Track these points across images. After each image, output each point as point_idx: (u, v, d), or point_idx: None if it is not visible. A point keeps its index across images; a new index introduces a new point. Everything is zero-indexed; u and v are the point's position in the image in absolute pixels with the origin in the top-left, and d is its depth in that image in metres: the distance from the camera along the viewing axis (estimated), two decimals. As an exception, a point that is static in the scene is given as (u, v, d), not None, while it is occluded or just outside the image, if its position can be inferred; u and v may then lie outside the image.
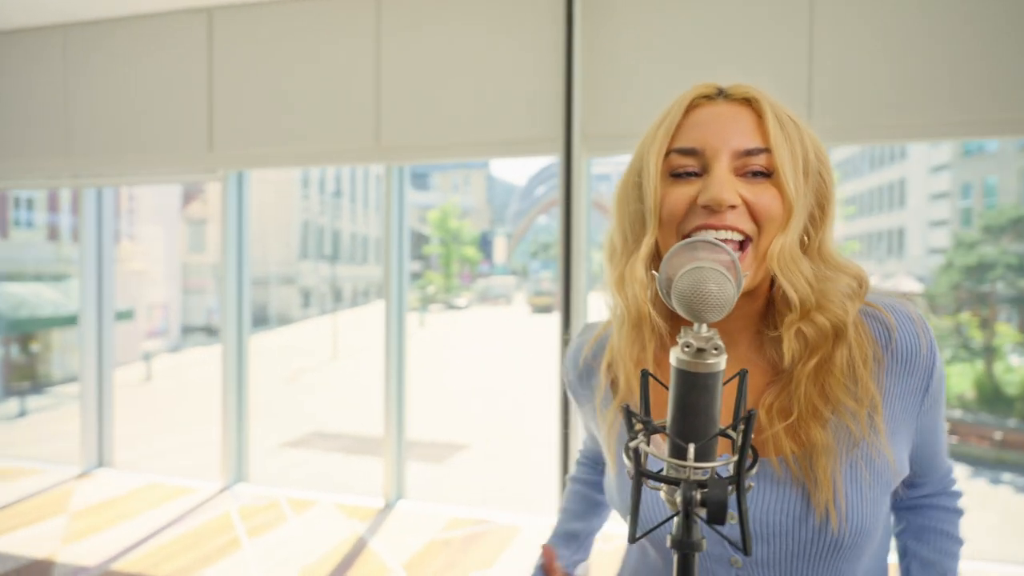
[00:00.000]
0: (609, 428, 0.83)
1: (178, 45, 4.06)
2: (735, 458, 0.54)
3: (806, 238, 0.75)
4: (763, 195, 0.70)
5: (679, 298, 0.54)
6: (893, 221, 23.38)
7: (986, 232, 13.31)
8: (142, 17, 4.08)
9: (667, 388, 0.57)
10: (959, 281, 13.75)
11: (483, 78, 3.59)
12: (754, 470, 0.55)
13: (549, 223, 44.37)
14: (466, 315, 28.64)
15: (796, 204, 0.70)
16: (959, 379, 13.47)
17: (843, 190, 26.06)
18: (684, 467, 0.53)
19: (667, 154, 0.74)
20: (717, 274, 0.53)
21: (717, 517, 0.50)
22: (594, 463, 1.09)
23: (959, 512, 0.88)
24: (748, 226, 0.70)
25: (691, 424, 0.54)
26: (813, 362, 0.71)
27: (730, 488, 0.53)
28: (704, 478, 0.53)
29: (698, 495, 0.51)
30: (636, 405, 0.81)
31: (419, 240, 39.57)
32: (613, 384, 0.84)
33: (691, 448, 0.53)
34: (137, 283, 20.20)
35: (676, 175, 0.74)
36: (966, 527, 0.88)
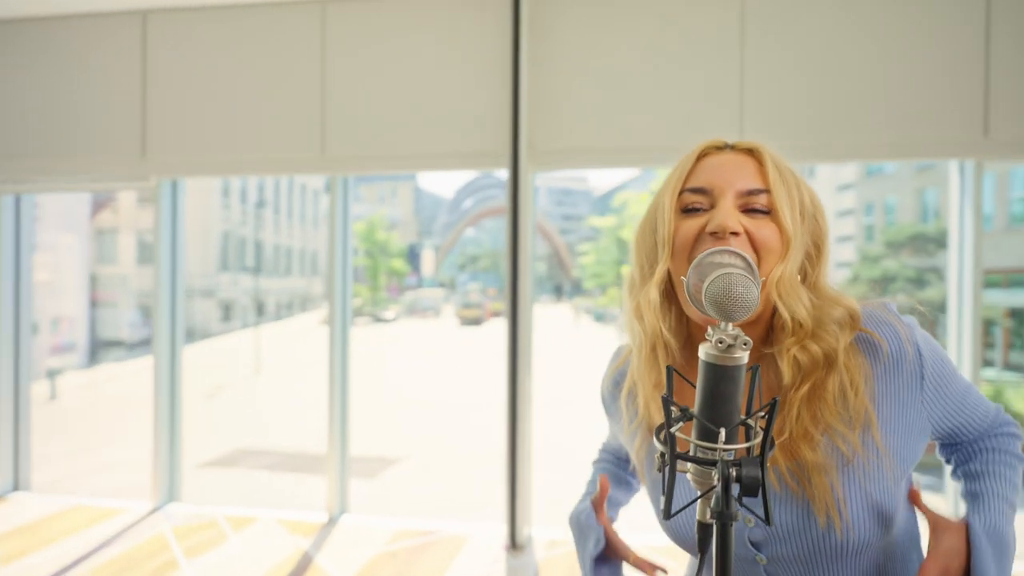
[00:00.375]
0: (637, 450, 0.91)
1: (109, 47, 3.91)
2: (756, 441, 0.62)
3: (804, 273, 0.84)
4: (763, 228, 0.79)
5: (711, 300, 0.61)
6: (804, 236, 24.60)
7: (888, 247, 14.28)
8: (70, 17, 3.91)
9: (692, 384, 0.64)
10: (865, 293, 14.67)
11: (430, 91, 3.64)
12: (772, 451, 0.63)
13: (477, 235, 44.52)
14: (394, 328, 28.29)
15: (793, 238, 0.79)
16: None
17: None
18: (715, 449, 0.61)
19: (680, 193, 0.82)
20: (744, 278, 0.61)
21: (751, 490, 0.58)
22: (616, 456, 1.16)
23: (1014, 452, 0.91)
24: (749, 254, 0.78)
25: (720, 411, 0.61)
26: (806, 388, 0.80)
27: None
28: (731, 459, 0.60)
29: (733, 472, 0.58)
30: (655, 425, 0.89)
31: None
32: (629, 404, 0.93)
33: (722, 432, 0.60)
34: (41, 295, 18.95)
35: (687, 211, 0.82)
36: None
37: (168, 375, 4.06)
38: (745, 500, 0.74)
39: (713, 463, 0.60)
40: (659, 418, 0.85)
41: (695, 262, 0.65)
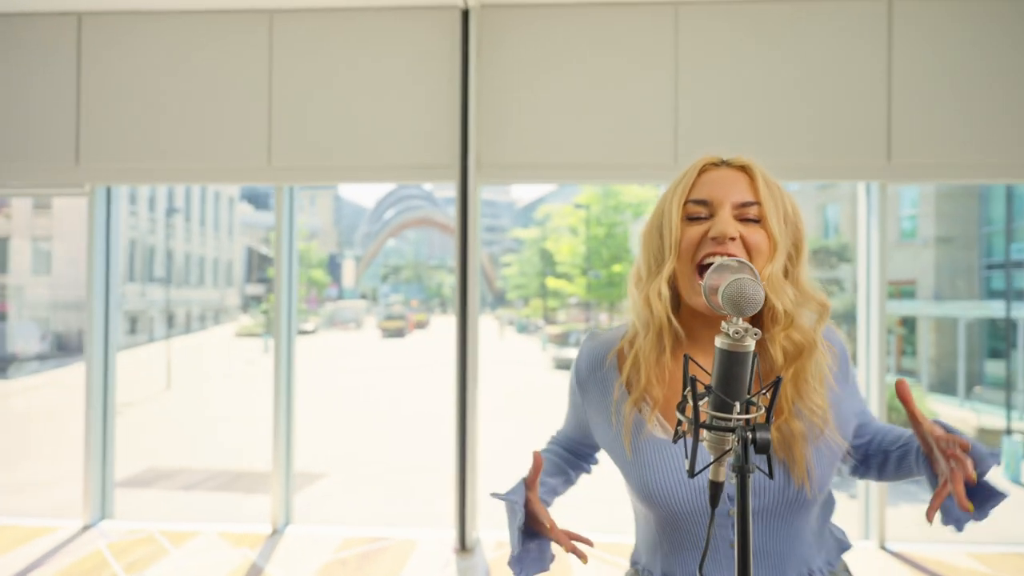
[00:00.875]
0: (625, 418, 1.04)
1: (43, 49, 3.78)
2: (763, 412, 0.78)
3: (786, 270, 1.01)
4: (755, 234, 0.96)
5: (728, 299, 0.76)
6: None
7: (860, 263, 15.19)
8: (2, 16, 3.76)
9: (690, 392, 0.80)
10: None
11: (379, 105, 3.72)
12: (773, 421, 0.79)
13: (399, 246, 44.15)
14: (315, 340, 27.62)
15: (779, 243, 0.96)
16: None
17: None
18: (730, 418, 0.76)
19: (685, 203, 0.98)
20: (754, 283, 0.77)
21: (763, 449, 0.73)
22: (571, 448, 1.27)
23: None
24: (743, 255, 0.95)
25: (734, 388, 0.77)
26: (792, 370, 0.97)
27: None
28: (735, 422, 0.76)
29: (750, 435, 0.74)
30: (653, 397, 1.03)
31: (261, 261, 37.65)
32: (627, 384, 1.05)
33: (737, 405, 0.76)
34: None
35: (691, 219, 0.98)
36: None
37: (101, 388, 3.94)
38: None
39: (731, 430, 0.75)
40: (661, 391, 1.00)
41: (713, 267, 0.80)
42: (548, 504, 1.15)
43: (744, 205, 0.97)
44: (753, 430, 0.74)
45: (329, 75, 3.74)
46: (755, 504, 0.97)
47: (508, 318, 32.09)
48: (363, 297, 38.56)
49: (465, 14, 3.63)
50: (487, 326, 32.27)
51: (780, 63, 3.59)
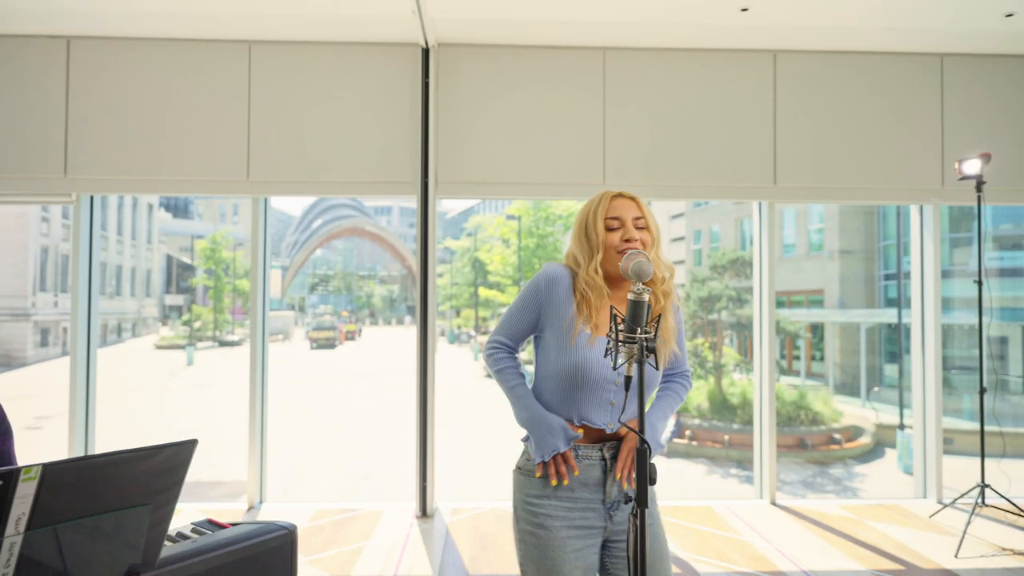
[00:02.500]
0: (576, 326, 1.64)
1: (35, 69, 4.16)
2: (650, 335, 1.44)
3: (658, 258, 1.69)
4: (644, 236, 1.64)
5: (634, 271, 1.43)
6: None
7: (712, 270, 16.42)
8: (-8, 38, 4.13)
9: (619, 329, 1.45)
10: (694, 311, 16.73)
11: (347, 126, 4.29)
12: (658, 337, 1.46)
13: (327, 256, 43.83)
14: (242, 351, 27.25)
15: (655, 239, 1.64)
16: (696, 393, 16.28)
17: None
18: (635, 336, 1.42)
19: (606, 219, 1.64)
20: (648, 263, 1.44)
21: (651, 352, 1.39)
22: (514, 349, 1.77)
23: (686, 386, 1.80)
24: (640, 248, 1.62)
25: (638, 320, 1.43)
26: (660, 310, 1.65)
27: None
28: (645, 338, 1.42)
29: (647, 344, 1.39)
30: (598, 321, 1.67)
31: (182, 271, 36.69)
32: (578, 308, 1.67)
33: (639, 330, 1.42)
34: None
35: (609, 229, 1.64)
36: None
37: (84, 392, 4.31)
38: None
39: (635, 341, 1.41)
40: (603, 322, 1.64)
41: (627, 254, 1.46)
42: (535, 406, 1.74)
43: (637, 219, 1.64)
44: (648, 341, 1.41)
45: (304, 100, 4.28)
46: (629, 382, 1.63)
47: (440, 328, 32.49)
48: (291, 308, 38.12)
49: (425, 52, 4.25)
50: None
51: (689, 101, 4.38)
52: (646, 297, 1.41)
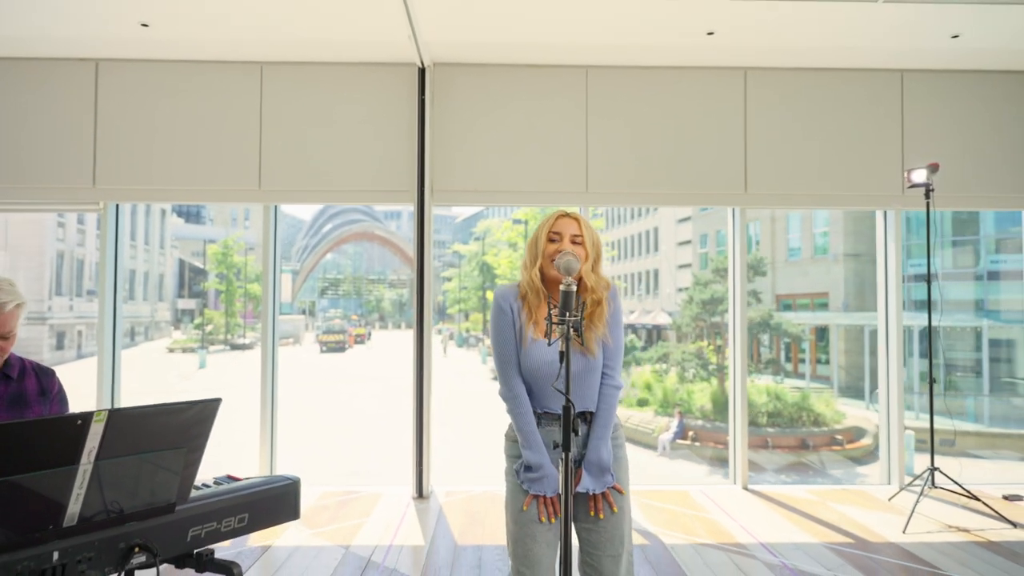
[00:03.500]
0: (525, 331, 2.05)
1: (66, 89, 4.60)
2: (577, 317, 1.83)
3: (594, 266, 2.06)
4: (579, 250, 2.02)
5: (563, 266, 1.81)
6: (649, 264, 27.56)
7: (716, 273, 16.73)
8: (31, 60, 4.57)
9: (554, 319, 1.84)
10: (698, 313, 17.05)
11: (353, 140, 4.70)
12: (584, 321, 1.85)
13: (337, 260, 44.41)
14: (254, 355, 27.78)
15: (588, 254, 2.02)
16: (700, 394, 16.59)
17: (610, 235, 30.19)
18: (565, 319, 1.80)
19: (548, 233, 2.02)
20: (575, 258, 1.82)
21: (577, 328, 1.77)
22: (518, 375, 2.22)
23: (614, 394, 2.10)
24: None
25: (567, 307, 1.81)
26: (593, 309, 2.02)
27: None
28: (572, 321, 1.80)
29: (573, 325, 1.78)
30: (539, 323, 2.05)
31: (194, 275, 37.33)
32: (525, 315, 2.07)
33: (568, 313, 1.80)
34: None
35: (551, 241, 2.02)
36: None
37: (110, 391, 4.74)
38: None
39: (565, 323, 1.79)
40: (541, 316, 2.02)
41: (560, 255, 1.85)
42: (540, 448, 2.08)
43: (575, 235, 2.03)
44: (577, 323, 1.79)
45: (311, 116, 4.70)
46: (573, 368, 2.01)
47: (449, 332, 32.91)
48: (302, 312, 38.69)
49: (422, 71, 4.66)
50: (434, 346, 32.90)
51: (665, 115, 4.76)
52: (574, 288, 1.79)
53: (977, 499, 4.17)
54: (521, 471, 1.98)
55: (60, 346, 26.10)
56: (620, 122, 4.76)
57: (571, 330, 1.78)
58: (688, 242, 24.93)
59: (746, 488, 4.77)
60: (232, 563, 1.80)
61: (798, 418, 15.75)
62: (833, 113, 4.80)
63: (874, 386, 18.91)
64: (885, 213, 4.99)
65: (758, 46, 4.43)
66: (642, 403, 17.69)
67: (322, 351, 30.74)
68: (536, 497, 1.94)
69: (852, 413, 16.63)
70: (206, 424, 1.75)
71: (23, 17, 4.04)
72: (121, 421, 1.54)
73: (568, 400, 1.75)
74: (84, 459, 1.51)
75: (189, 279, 37.04)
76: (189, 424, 1.72)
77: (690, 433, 15.37)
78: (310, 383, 19.75)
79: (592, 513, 1.97)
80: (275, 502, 2.02)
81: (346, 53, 4.58)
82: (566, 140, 4.74)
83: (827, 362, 21.53)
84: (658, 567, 3.35)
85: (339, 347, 30.65)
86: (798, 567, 3.35)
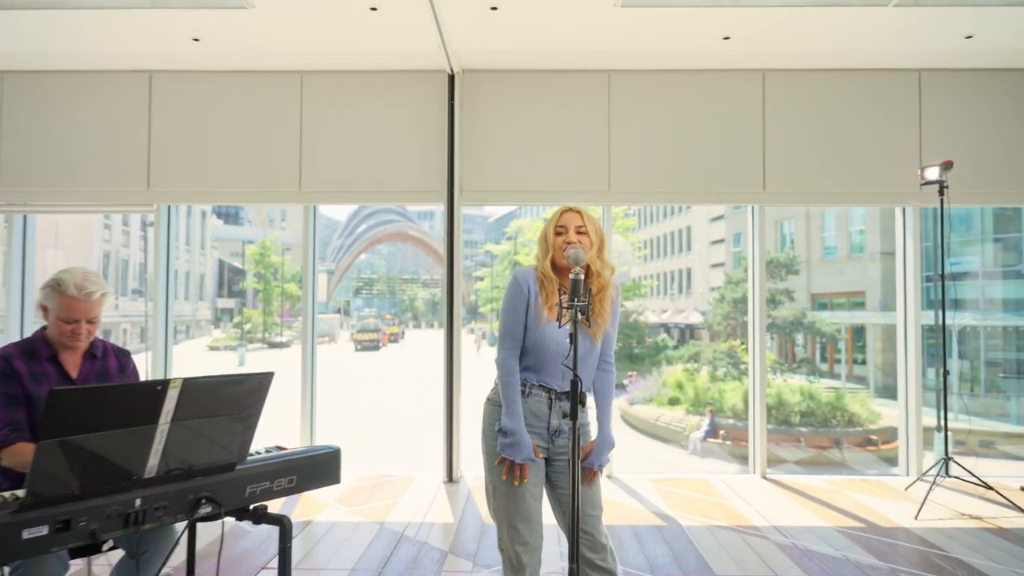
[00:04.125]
0: (541, 312, 2.29)
1: (121, 99, 4.98)
2: (585, 303, 2.06)
3: (598, 253, 2.29)
4: (584, 239, 2.25)
5: (572, 257, 2.05)
6: (682, 263, 27.53)
7: (747, 272, 16.72)
8: (90, 72, 4.96)
9: (563, 304, 2.08)
10: (729, 312, 17.06)
11: (387, 144, 4.99)
12: (589, 305, 2.09)
13: (372, 260, 45.11)
14: (291, 353, 28.48)
15: (593, 243, 2.25)
16: (731, 394, 16.60)
17: (642, 234, 30.19)
18: (574, 304, 2.04)
19: (555, 227, 2.26)
20: (582, 249, 2.06)
21: (584, 312, 2.01)
22: (517, 348, 2.48)
23: (611, 372, 2.38)
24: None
25: (576, 293, 2.05)
26: (598, 294, 2.25)
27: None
28: (579, 305, 2.04)
29: (580, 308, 2.01)
30: (552, 312, 2.29)
31: (233, 275, 38.32)
32: (540, 287, 2.31)
33: (576, 299, 2.04)
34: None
35: (557, 234, 2.26)
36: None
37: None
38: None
39: (574, 307, 2.02)
40: (554, 301, 2.25)
41: (570, 247, 2.08)
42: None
43: (579, 227, 2.26)
44: (584, 306, 2.03)
45: (347, 120, 5.00)
46: (582, 352, 2.24)
47: (482, 331, 33.26)
48: (336, 311, 39.42)
49: (451, 78, 4.93)
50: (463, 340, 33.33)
51: (685, 116, 4.95)
52: (582, 277, 2.03)
53: (992, 489, 4.28)
54: (499, 436, 2.19)
55: (106, 344, 26.97)
56: (640, 123, 4.96)
57: (579, 313, 2.02)
58: (721, 241, 24.84)
59: (765, 477, 4.93)
60: (283, 516, 2.07)
61: (832, 418, 15.69)
62: (851, 112, 4.93)
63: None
64: (904, 210, 5.10)
65: (773, 49, 4.59)
66: (673, 402, 17.76)
67: (357, 349, 31.33)
68: (505, 460, 2.17)
69: (888, 414, 16.45)
70: (261, 394, 2.03)
71: (82, 34, 4.41)
72: (193, 389, 1.82)
73: (576, 375, 1.98)
74: (162, 420, 1.79)
75: (228, 279, 38.06)
76: (247, 393, 1.99)
77: (721, 432, 15.40)
78: (345, 380, 20.24)
79: (589, 479, 2.19)
80: (319, 467, 2.28)
81: (380, 62, 4.87)
82: (589, 141, 4.96)
83: (864, 362, 21.28)
84: (673, 546, 3.55)
85: (373, 346, 31.22)
86: (808, 548, 3.52)
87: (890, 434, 15.07)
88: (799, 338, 20.37)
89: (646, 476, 4.97)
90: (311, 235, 5.17)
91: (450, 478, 4.84)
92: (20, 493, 1.65)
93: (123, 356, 2.40)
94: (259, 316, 31.77)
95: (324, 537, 3.66)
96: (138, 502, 1.78)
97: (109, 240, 28.00)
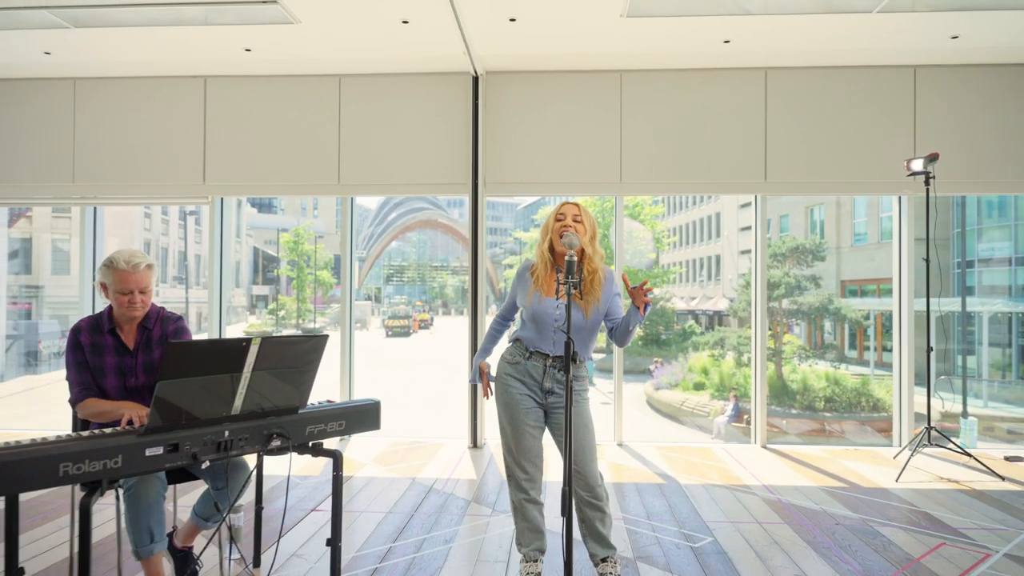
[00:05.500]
0: (531, 294, 2.79)
1: (178, 101, 5.59)
2: (579, 279, 2.56)
3: (591, 240, 2.78)
4: (579, 227, 2.74)
5: (567, 242, 2.55)
6: (711, 250, 27.71)
7: (773, 258, 16.97)
8: (152, 78, 5.58)
9: (560, 281, 2.57)
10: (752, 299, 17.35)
11: (417, 139, 5.51)
12: (582, 283, 2.59)
13: (402, 248, 45.94)
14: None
15: (587, 231, 2.74)
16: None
17: (671, 221, 30.39)
18: (569, 280, 2.53)
19: (556, 216, 2.75)
20: (576, 236, 2.56)
21: (576, 286, 2.50)
22: (506, 316, 3.00)
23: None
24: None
25: (571, 273, 2.54)
26: (590, 277, 2.74)
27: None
28: (572, 283, 2.53)
29: (575, 284, 2.50)
30: (546, 290, 2.79)
31: (267, 263, 39.43)
32: (534, 282, 2.81)
33: (570, 277, 2.54)
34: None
35: (557, 220, 2.75)
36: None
37: (217, 340, 5.72)
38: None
39: (568, 283, 2.52)
40: (544, 283, 2.75)
41: (566, 234, 2.57)
42: (489, 354, 2.95)
43: (576, 216, 2.75)
44: (576, 283, 2.53)
45: (381, 118, 5.53)
46: (574, 324, 2.74)
47: (510, 318, 33.86)
48: (367, 298, 40.34)
49: (475, 79, 5.43)
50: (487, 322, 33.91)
51: (692, 111, 5.38)
52: (575, 259, 2.52)
53: (971, 456, 4.68)
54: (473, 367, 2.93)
55: (148, 329, 28.13)
56: (650, 119, 5.41)
57: (572, 288, 2.51)
58: (749, 228, 24.97)
59: (764, 447, 5.38)
60: (336, 450, 2.61)
61: (856, 403, 15.93)
62: (848, 106, 5.31)
63: (939, 373, 18.76)
64: (900, 200, 5.47)
65: (771, 50, 5.00)
66: (698, 387, 18.14)
67: (387, 335, 32.15)
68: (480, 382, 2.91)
69: (917, 400, 16.57)
70: (319, 352, 2.57)
71: (145, 46, 5.00)
72: (268, 345, 2.36)
73: (569, 337, 2.48)
74: (246, 369, 2.33)
75: (263, 266, 39.20)
76: (309, 351, 2.53)
77: (745, 416, 15.73)
78: (376, 365, 20.97)
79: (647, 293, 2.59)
80: (364, 415, 2.82)
81: (410, 66, 5.39)
82: (602, 136, 5.43)
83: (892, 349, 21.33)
84: (669, 499, 4.05)
85: (404, 332, 32.01)
86: (791, 502, 3.99)
87: (914, 419, 15.29)
88: (827, 324, 20.53)
89: (654, 445, 5.46)
90: (349, 225, 5.73)
91: (474, 444, 5.39)
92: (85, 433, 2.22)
93: (173, 322, 2.86)
94: (292, 303, 32.75)
95: (363, 489, 4.23)
96: (227, 433, 2.33)
97: (150, 229, 29.14)
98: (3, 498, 1.99)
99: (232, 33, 4.76)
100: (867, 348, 22.14)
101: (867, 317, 19.69)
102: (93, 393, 2.61)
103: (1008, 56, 5.05)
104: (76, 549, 2.89)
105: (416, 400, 14.59)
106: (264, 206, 44.74)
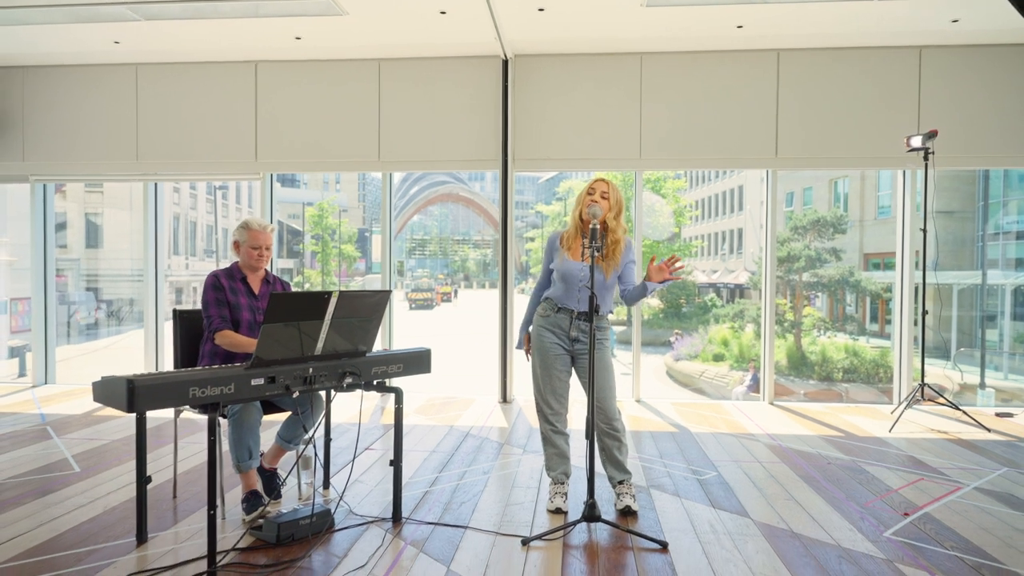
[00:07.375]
0: (562, 254, 3.30)
1: (231, 85, 6.12)
2: (601, 243, 3.07)
3: (616, 215, 3.28)
4: (604, 203, 3.24)
5: (592, 213, 3.05)
6: (733, 224, 27.93)
7: (793, 231, 17.28)
8: (207, 63, 6.11)
9: (585, 245, 3.08)
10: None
11: (451, 119, 6.00)
12: (604, 247, 3.10)
13: (424, 221, 46.54)
14: (349, 310, 30.17)
15: (612, 206, 3.24)
16: (776, 350, 17.33)
17: (693, 195, 30.58)
18: (592, 245, 3.04)
19: (588, 191, 3.25)
20: (600, 208, 3.06)
21: (600, 250, 3.01)
22: (543, 286, 3.52)
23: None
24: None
25: (593, 238, 3.05)
26: (612, 248, 3.24)
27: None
28: (595, 247, 3.04)
29: (598, 246, 3.01)
30: (573, 252, 3.30)
31: (292, 236, 40.24)
32: (564, 246, 3.32)
33: (594, 242, 3.04)
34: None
35: (588, 194, 3.25)
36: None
37: (268, 305, 6.31)
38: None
39: (592, 247, 3.02)
40: (573, 247, 3.26)
41: (591, 205, 3.07)
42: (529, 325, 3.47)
43: (604, 192, 3.24)
44: (599, 245, 3.03)
45: (417, 99, 6.03)
46: (597, 281, 3.25)
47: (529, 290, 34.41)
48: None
49: (505, 62, 5.89)
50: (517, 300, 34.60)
51: (708, 92, 5.81)
52: (598, 227, 3.02)
53: (961, 410, 5.14)
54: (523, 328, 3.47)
55: (178, 301, 29.12)
56: (668, 99, 5.84)
57: (595, 252, 3.02)
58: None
59: (772, 404, 5.88)
60: (397, 388, 3.16)
61: (875, 374, 16.29)
62: (855, 86, 5.70)
63: (959, 345, 19.00)
64: (904, 174, 5.87)
65: (781, 34, 5.40)
66: (718, 358, 18.59)
67: (411, 308, 32.89)
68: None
69: (933, 372, 16.87)
70: (383, 305, 3.11)
71: (203, 36, 5.52)
72: (343, 298, 2.89)
73: (592, 293, 2.99)
74: (327, 317, 2.87)
75: (288, 240, 40.09)
76: (375, 304, 3.07)
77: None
78: (401, 337, 21.66)
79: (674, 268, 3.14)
80: (418, 360, 3.38)
81: (445, 50, 5.86)
82: (623, 115, 5.88)
83: (916, 322, 21.53)
84: (680, 443, 4.57)
85: (427, 304, 32.72)
86: (789, 447, 4.50)
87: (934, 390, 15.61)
88: (849, 297, 20.79)
89: (669, 401, 5.98)
90: (388, 198, 6.26)
91: (504, 399, 5.95)
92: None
93: (284, 284, 3.50)
94: (318, 276, 33.54)
95: (408, 434, 4.81)
96: (311, 370, 2.88)
97: (178, 203, 29.93)
98: (134, 418, 2.56)
99: (285, 24, 5.26)
100: (888, 321, 22.38)
101: (888, 290, 19.91)
102: (228, 326, 3.23)
103: (1007, 37, 5.40)
104: (177, 468, 3.53)
105: (445, 366, 15.23)
106: (288, 180, 45.46)
